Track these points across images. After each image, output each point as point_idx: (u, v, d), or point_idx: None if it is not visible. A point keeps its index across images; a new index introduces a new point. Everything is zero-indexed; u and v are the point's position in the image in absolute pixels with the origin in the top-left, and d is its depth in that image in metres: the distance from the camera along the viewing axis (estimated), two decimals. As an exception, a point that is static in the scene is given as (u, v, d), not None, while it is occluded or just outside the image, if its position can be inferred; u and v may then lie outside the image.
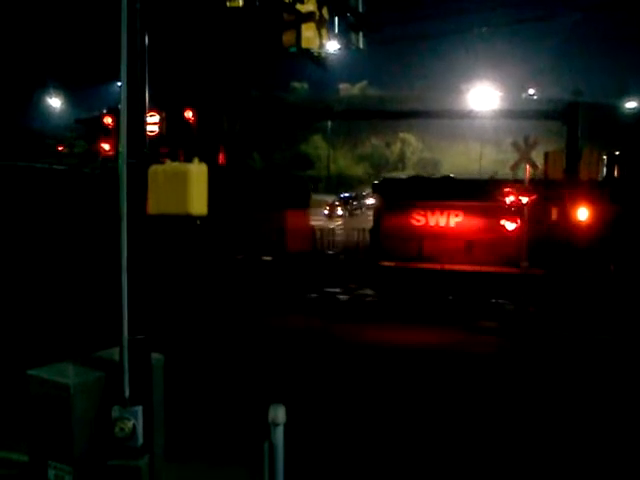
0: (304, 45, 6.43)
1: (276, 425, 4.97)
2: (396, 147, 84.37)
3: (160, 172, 5.20)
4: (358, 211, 57.62)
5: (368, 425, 9.09)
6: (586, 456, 8.14)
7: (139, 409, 4.96)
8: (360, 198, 61.04)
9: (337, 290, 22.04)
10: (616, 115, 45.60)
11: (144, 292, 5.08)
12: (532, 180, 21.42)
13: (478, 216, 24.28)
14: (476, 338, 15.73)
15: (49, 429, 5.00)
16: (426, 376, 11.81)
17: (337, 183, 70.65)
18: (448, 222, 24.92)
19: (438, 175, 53.95)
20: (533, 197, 20.43)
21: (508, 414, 9.77)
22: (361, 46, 7.37)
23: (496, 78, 48.79)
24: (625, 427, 9.26)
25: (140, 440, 4.96)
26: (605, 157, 26.22)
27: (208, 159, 6.34)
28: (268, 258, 24.38)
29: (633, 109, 44.13)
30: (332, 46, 7.10)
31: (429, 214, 25.09)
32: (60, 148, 40.60)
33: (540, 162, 23.22)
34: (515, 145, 21.40)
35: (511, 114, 38.33)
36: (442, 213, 24.96)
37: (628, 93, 48.22)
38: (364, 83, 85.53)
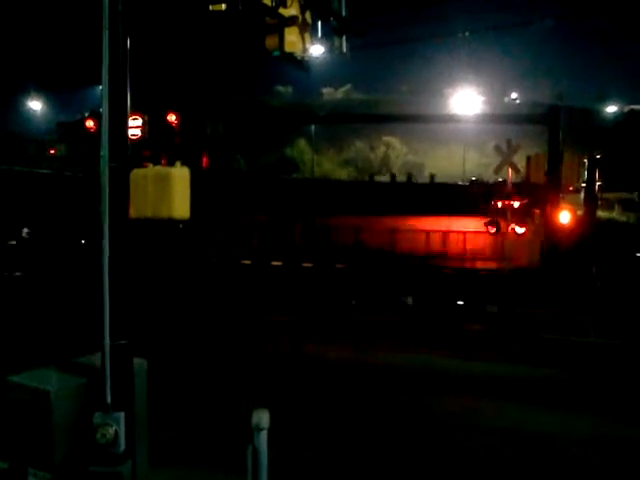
0: (287, 49, 6.42)
1: (260, 430, 4.95)
2: (380, 151, 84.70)
3: (142, 176, 5.17)
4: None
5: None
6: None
7: (121, 415, 4.91)
8: None
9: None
10: (597, 119, 46.21)
11: (126, 297, 5.05)
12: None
13: None
14: None
15: (29, 436, 4.94)
16: None
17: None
18: None
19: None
20: (524, 201, 20.45)
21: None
22: (344, 50, 7.37)
23: (479, 82, 49.27)
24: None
25: (122, 446, 4.90)
26: (586, 160, 26.55)
27: (191, 163, 6.31)
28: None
29: (613, 113, 44.80)
30: (316, 50, 7.11)
31: None
32: (52, 151, 40.29)
33: (522, 165, 23.44)
34: (497, 149, 21.55)
35: (494, 118, 38.67)
36: None
37: (608, 97, 48.89)
38: (348, 87, 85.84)
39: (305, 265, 23.02)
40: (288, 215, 25.40)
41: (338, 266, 22.94)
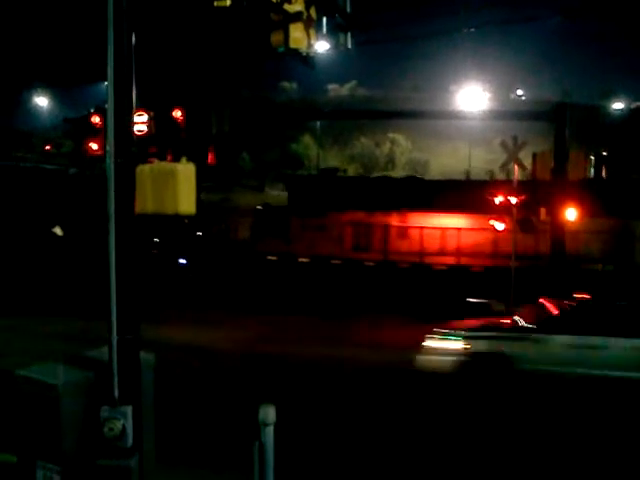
0: (292, 45, 6.42)
1: (266, 425, 4.96)
2: (385, 147, 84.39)
3: (148, 171, 5.21)
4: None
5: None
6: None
7: (129, 409, 4.95)
8: None
9: None
10: (603, 116, 45.90)
11: (133, 291, 5.08)
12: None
13: None
14: None
15: (38, 429, 4.98)
16: None
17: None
18: None
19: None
20: (522, 197, 20.32)
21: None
22: (349, 46, 7.37)
23: (484, 79, 49.11)
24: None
25: (130, 440, 4.94)
26: (593, 157, 26.45)
27: (197, 159, 6.35)
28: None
29: (620, 110, 44.54)
30: (321, 46, 7.11)
31: None
32: (47, 147, 40.29)
33: (528, 162, 23.31)
34: (503, 145, 21.44)
35: (499, 115, 38.55)
36: None
37: (615, 94, 48.64)
38: (353, 83, 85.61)
39: (402, 266, 22.42)
40: (381, 212, 24.38)
41: (437, 268, 22.43)
